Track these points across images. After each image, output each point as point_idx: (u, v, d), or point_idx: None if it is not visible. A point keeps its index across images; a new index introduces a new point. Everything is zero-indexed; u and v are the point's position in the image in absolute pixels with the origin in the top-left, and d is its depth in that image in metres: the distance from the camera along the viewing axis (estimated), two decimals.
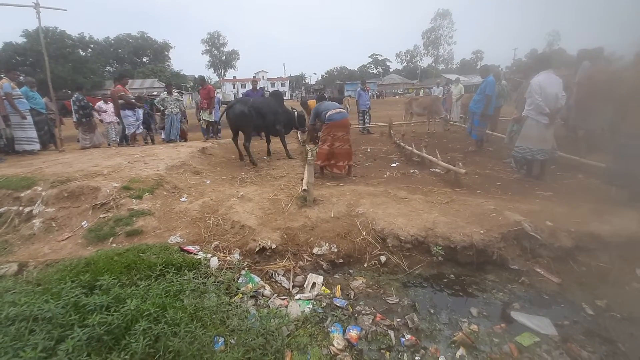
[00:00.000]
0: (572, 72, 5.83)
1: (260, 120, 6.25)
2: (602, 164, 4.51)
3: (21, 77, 7.00)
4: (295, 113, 6.86)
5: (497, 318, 2.50)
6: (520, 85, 6.40)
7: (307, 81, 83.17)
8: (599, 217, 3.26)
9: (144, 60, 57.18)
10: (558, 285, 2.82)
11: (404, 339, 2.25)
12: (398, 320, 2.42)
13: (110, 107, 8.47)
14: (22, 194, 3.88)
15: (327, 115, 5.09)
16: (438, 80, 15.76)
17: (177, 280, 2.47)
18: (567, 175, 4.89)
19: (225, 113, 6.26)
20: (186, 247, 3.05)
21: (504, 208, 3.46)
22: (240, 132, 6.36)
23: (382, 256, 3.12)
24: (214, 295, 2.43)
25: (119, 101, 7.41)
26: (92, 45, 49.89)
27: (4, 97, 6.06)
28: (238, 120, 6.13)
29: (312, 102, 9.17)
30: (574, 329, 2.39)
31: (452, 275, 2.98)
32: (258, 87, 9.53)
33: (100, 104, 8.93)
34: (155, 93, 32.26)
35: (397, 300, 2.65)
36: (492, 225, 3.17)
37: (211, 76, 68.07)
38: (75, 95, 7.99)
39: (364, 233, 3.31)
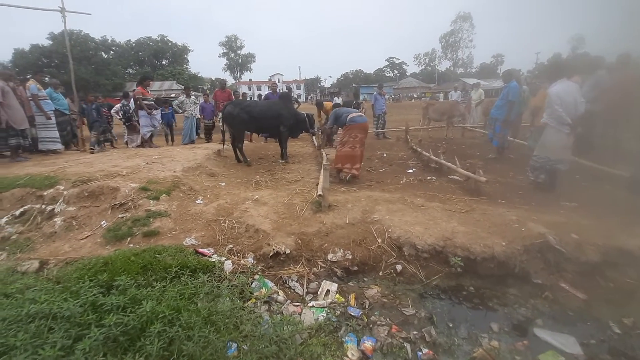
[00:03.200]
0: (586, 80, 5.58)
1: (254, 122, 6.33)
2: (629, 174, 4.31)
3: (46, 79, 7.29)
4: (305, 115, 6.88)
5: (519, 334, 2.40)
6: (538, 90, 6.22)
7: (322, 84, 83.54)
8: (627, 230, 3.11)
9: (164, 62, 58.57)
10: (583, 302, 2.70)
11: (420, 353, 2.18)
12: (415, 332, 2.35)
13: None
14: (45, 193, 3.99)
15: (349, 117, 5.22)
16: (456, 85, 15.48)
17: (192, 283, 2.47)
18: (593, 185, 4.69)
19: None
20: (201, 250, 3.06)
21: (526, 219, 3.34)
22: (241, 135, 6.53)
23: (397, 265, 3.05)
24: (228, 299, 2.41)
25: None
26: (114, 48, 51.44)
27: (30, 98, 6.30)
28: (227, 121, 6.34)
29: (328, 104, 9.33)
30: (600, 348, 2.28)
31: (471, 288, 2.89)
32: (278, 90, 9.72)
33: (118, 105, 9.29)
34: (173, 95, 32.99)
35: (414, 311, 2.58)
36: (514, 236, 3.06)
37: (227, 78, 69.10)
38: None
39: (380, 240, 3.25)
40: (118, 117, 9.30)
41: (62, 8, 7.23)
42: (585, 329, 2.47)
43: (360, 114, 5.47)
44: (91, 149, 7.31)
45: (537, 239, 3.01)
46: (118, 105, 8.95)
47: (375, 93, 10.79)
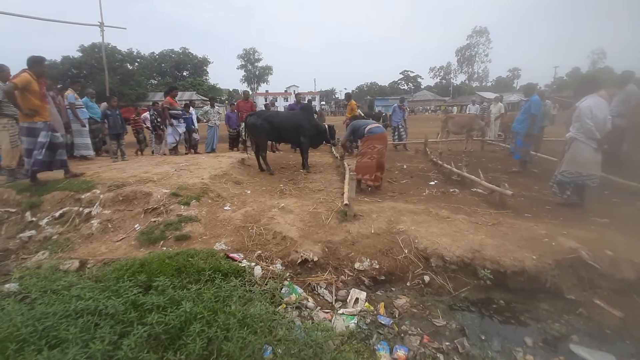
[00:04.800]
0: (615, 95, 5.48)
1: (276, 132, 6.56)
2: None
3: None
4: (326, 127, 7.02)
5: (555, 350, 2.35)
6: (571, 106, 6.16)
7: (337, 96, 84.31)
8: None
9: (184, 74, 60.45)
10: (620, 320, 2.62)
11: None
12: (447, 344, 2.34)
13: None
14: (83, 196, 4.19)
15: (367, 128, 5.33)
16: (473, 98, 15.43)
17: (225, 287, 2.54)
18: (623, 201, 4.57)
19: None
20: (231, 255, 3.14)
21: (556, 233, 3.28)
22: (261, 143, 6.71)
23: (425, 276, 3.05)
24: (260, 303, 2.47)
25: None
26: (138, 60, 53.48)
27: (67, 107, 6.65)
28: (250, 131, 6.62)
29: (353, 103, 9.45)
30: None
31: (501, 301, 2.85)
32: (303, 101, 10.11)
33: (145, 114, 9.70)
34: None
35: (444, 322, 2.57)
36: (544, 251, 3.02)
37: (245, 90, 70.50)
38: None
39: (406, 251, 3.26)
40: (145, 126, 9.70)
41: (102, 23, 7.69)
42: (624, 348, 2.40)
43: (377, 124, 5.58)
44: (114, 156, 7.54)
45: (569, 254, 2.96)
46: (147, 114, 9.33)
47: (395, 105, 10.90)
